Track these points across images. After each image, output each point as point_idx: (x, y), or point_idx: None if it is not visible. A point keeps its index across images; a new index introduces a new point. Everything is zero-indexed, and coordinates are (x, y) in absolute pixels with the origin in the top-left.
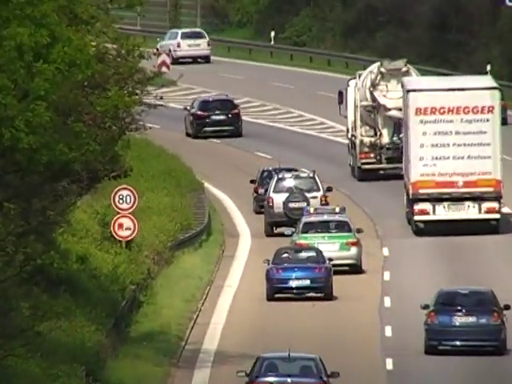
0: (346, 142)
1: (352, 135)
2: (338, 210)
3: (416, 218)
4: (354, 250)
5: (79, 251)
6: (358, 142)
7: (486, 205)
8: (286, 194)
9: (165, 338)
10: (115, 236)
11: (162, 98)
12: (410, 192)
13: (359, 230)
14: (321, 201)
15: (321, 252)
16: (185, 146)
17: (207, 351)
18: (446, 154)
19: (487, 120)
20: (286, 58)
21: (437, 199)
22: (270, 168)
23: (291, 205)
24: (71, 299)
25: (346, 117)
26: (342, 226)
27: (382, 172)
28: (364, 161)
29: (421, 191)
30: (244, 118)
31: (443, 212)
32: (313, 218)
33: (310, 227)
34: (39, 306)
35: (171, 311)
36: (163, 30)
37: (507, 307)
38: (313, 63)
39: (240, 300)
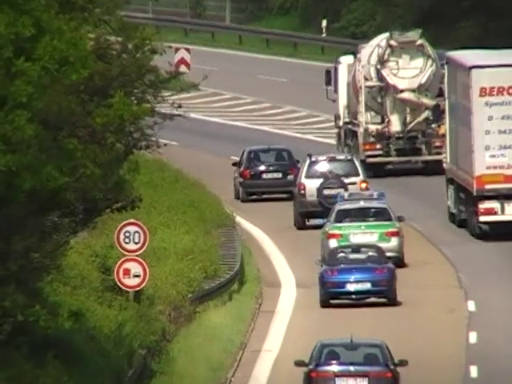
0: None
1: (347, 123)
2: (375, 195)
3: (481, 218)
4: (395, 241)
5: (73, 305)
6: (361, 130)
7: None
8: (320, 180)
9: None
10: (120, 285)
11: (180, 107)
12: (474, 188)
13: (400, 218)
14: (360, 187)
15: (382, 250)
16: (210, 168)
17: None
18: None
19: None
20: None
21: (506, 196)
22: (262, 147)
23: (326, 192)
24: (62, 368)
25: (334, 101)
26: (382, 214)
27: (390, 166)
28: (369, 153)
29: (487, 187)
30: (286, 132)
31: None
32: (347, 205)
33: (344, 215)
34: (21, 376)
35: (193, 383)
36: (181, 18)
37: None
38: None
39: (282, 369)
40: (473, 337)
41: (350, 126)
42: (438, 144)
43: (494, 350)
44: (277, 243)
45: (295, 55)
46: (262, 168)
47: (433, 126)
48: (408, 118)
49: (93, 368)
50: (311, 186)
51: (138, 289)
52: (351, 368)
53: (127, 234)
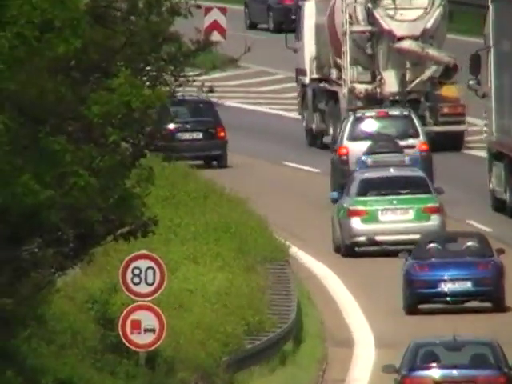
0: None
1: (316, 80)
2: (407, 160)
3: None
4: (436, 220)
5: (60, 371)
6: (344, 91)
7: None
8: (368, 143)
9: None
10: (127, 344)
11: (212, 91)
12: None
13: (439, 191)
14: (420, 150)
15: (486, 240)
16: (256, 178)
17: None
18: None
19: None
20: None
21: None
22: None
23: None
24: None
25: (296, 50)
26: (418, 185)
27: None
28: None
29: None
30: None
31: None
32: (373, 174)
33: (369, 186)
34: None
35: None
36: None
37: None
38: None
39: None
40: None
41: (322, 85)
42: (446, 111)
43: None
44: (348, 284)
45: None
46: (175, 126)
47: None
48: (408, 76)
49: None
50: (356, 150)
51: (151, 349)
52: (455, 372)
53: (137, 272)
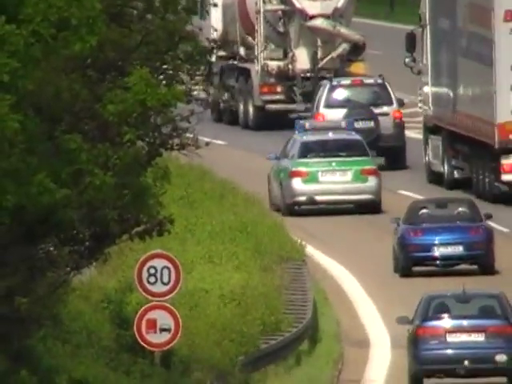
0: None
1: (224, 57)
2: (343, 124)
3: (504, 177)
4: (373, 181)
5: (75, 371)
6: (257, 68)
7: None
8: (344, 110)
9: None
10: (142, 343)
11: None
12: (496, 139)
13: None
14: (394, 118)
15: (475, 205)
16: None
17: None
18: None
19: None
20: None
21: None
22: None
23: (353, 125)
24: None
25: (201, 29)
26: (355, 148)
27: (294, 115)
28: (267, 97)
29: None
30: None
31: None
32: (313, 137)
33: (309, 149)
34: None
35: None
36: None
37: None
38: None
39: None
40: None
41: (232, 62)
42: None
43: None
44: (364, 284)
45: (391, 18)
46: None
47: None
48: (319, 53)
49: None
50: (332, 117)
51: (166, 348)
52: (465, 322)
53: (152, 271)
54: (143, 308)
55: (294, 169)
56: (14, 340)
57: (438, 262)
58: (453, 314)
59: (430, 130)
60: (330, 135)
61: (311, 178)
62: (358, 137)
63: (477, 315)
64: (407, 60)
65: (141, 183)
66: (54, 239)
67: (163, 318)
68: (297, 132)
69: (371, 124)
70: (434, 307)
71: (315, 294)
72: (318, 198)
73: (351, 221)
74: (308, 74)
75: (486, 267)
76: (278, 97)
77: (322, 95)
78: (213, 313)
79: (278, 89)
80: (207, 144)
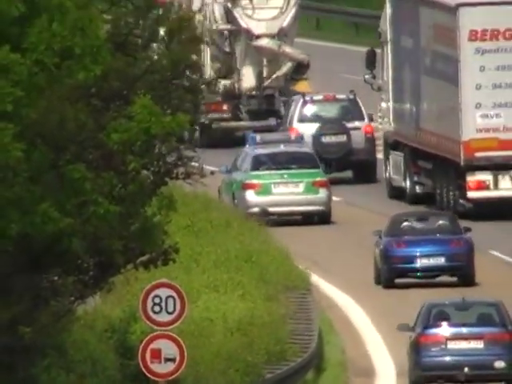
0: None
1: None
2: (293, 137)
3: (470, 194)
4: (323, 193)
5: None
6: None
7: None
8: (317, 125)
9: None
10: (147, 373)
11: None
12: (462, 156)
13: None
14: (365, 133)
15: (455, 219)
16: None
17: None
18: None
19: None
20: None
21: (501, 166)
22: None
23: (325, 139)
24: None
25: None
26: (306, 160)
27: (240, 134)
28: (214, 116)
29: (477, 155)
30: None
31: (509, 185)
32: (265, 150)
33: (261, 162)
34: None
35: None
36: None
37: None
38: None
39: None
40: None
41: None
42: None
43: None
44: (369, 313)
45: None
46: None
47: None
48: (265, 72)
49: None
50: (305, 132)
51: (171, 378)
52: (464, 330)
53: (157, 300)
54: (148, 338)
55: (247, 181)
56: (18, 369)
57: (418, 273)
58: (453, 322)
59: (391, 145)
60: (282, 148)
61: (264, 190)
62: (308, 149)
63: (476, 323)
64: (367, 77)
65: (146, 213)
66: (58, 268)
67: (168, 348)
68: (248, 145)
69: (344, 138)
70: (434, 315)
71: (320, 322)
72: (271, 209)
73: (352, 246)
74: (253, 93)
75: (467, 278)
76: (224, 115)
77: (295, 110)
78: (218, 342)
79: (225, 107)
80: (212, 173)
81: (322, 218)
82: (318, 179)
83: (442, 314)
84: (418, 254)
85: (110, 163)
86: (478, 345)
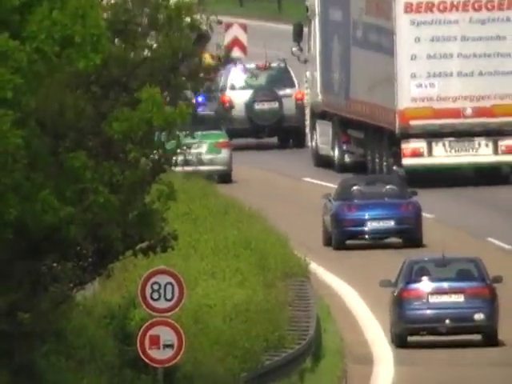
0: None
1: None
2: (196, 99)
3: (405, 161)
4: (225, 153)
5: None
6: None
7: (504, 142)
8: (249, 92)
9: None
10: (145, 359)
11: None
12: (397, 125)
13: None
14: (296, 99)
15: (403, 183)
16: (278, 194)
17: None
18: (448, 69)
19: (508, 19)
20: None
21: (434, 134)
22: None
23: (258, 106)
24: None
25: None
26: (209, 122)
27: None
28: None
29: (412, 123)
30: None
31: (442, 153)
32: None
33: None
34: None
35: None
36: None
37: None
38: None
39: None
40: None
41: None
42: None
43: None
44: (368, 300)
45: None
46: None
47: None
48: None
49: None
50: (238, 99)
51: (170, 364)
52: (445, 284)
53: (156, 287)
54: (146, 324)
55: None
56: (16, 355)
57: (367, 236)
58: (434, 277)
59: (319, 115)
60: None
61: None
62: (211, 112)
63: (456, 278)
64: (294, 49)
65: (145, 201)
66: (57, 255)
67: (166, 334)
68: None
69: (275, 105)
70: (416, 271)
71: (319, 310)
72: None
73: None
74: None
75: (415, 241)
76: None
77: (227, 78)
78: (216, 329)
79: None
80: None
81: (223, 177)
82: (221, 140)
83: (424, 269)
84: (368, 217)
85: (110, 151)
86: (459, 298)
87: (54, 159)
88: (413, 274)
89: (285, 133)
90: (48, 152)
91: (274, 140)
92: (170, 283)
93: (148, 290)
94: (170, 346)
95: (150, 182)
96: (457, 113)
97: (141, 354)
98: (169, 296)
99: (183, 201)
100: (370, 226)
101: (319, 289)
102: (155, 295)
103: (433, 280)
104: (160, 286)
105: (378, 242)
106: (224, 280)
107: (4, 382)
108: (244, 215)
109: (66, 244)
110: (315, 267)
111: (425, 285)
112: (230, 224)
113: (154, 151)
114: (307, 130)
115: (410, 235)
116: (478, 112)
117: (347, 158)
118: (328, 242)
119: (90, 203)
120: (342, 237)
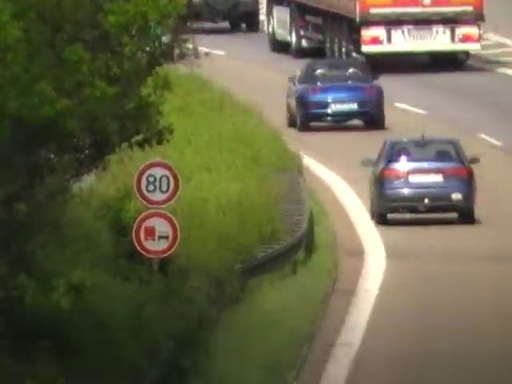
0: None
1: None
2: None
3: (365, 48)
4: None
5: (74, 276)
6: None
7: (461, 30)
8: None
9: None
10: (140, 250)
11: None
12: (357, 12)
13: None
14: None
15: (367, 66)
16: (270, 89)
17: None
18: None
19: None
20: None
21: (394, 22)
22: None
23: None
24: (57, 364)
25: None
26: None
27: None
28: None
29: (372, 11)
30: None
31: (401, 40)
32: None
33: None
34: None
35: None
36: None
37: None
38: None
39: (364, 371)
40: None
41: None
42: None
43: None
44: (361, 195)
45: None
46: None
47: None
48: None
49: (99, 366)
50: None
51: (165, 255)
52: (424, 164)
53: (151, 179)
54: (142, 216)
55: None
56: (12, 245)
57: (329, 117)
58: (413, 157)
59: (276, 0)
60: None
61: None
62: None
63: (435, 158)
64: None
65: (141, 93)
66: (53, 147)
67: (161, 226)
68: None
69: None
70: (396, 151)
71: (312, 204)
72: None
73: (359, 139)
74: None
75: (377, 123)
76: None
77: None
78: (210, 222)
79: None
80: (207, 54)
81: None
82: None
83: (404, 149)
84: (331, 99)
85: (107, 44)
86: (438, 178)
87: (51, 51)
88: (393, 154)
89: (239, 18)
90: (46, 43)
91: (226, 24)
92: (166, 176)
93: (143, 183)
94: (165, 237)
95: (146, 75)
96: (416, 1)
97: (136, 245)
98: (164, 188)
99: (179, 95)
100: (334, 108)
101: (312, 183)
102: (151, 187)
103: (412, 160)
104: (155, 178)
105: (340, 123)
106: (218, 173)
107: (1, 271)
108: (239, 110)
109: (63, 136)
110: (308, 160)
111: (405, 164)
112: (224, 118)
113: (150, 44)
114: (262, 16)
115: (372, 118)
116: (437, 1)
117: (304, 44)
118: (292, 124)
119: (86, 96)
120: (307, 119)
